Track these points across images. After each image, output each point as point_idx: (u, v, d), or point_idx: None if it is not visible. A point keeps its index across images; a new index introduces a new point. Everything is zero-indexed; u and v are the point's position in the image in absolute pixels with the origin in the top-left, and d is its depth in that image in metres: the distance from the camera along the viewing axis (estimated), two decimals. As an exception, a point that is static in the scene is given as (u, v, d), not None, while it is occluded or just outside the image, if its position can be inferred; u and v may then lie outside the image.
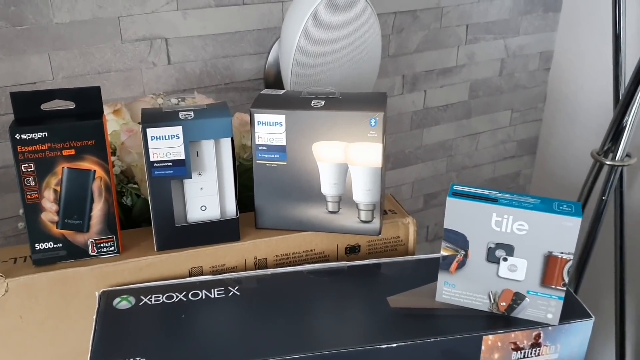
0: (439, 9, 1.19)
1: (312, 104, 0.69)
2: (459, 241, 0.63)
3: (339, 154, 0.69)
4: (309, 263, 0.74)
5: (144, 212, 0.80)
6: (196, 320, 0.63)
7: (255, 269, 0.73)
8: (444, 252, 0.64)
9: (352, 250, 0.76)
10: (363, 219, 0.72)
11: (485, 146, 1.40)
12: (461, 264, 0.64)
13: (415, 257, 0.75)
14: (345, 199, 0.71)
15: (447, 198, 0.61)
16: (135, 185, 0.79)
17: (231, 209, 0.72)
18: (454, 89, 1.29)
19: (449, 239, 0.63)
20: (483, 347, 0.62)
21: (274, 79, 1.08)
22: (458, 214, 0.62)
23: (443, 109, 1.29)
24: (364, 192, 0.70)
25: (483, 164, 1.41)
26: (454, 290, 0.65)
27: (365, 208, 0.71)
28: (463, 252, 0.63)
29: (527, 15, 1.31)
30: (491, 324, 0.63)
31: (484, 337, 0.62)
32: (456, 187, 0.62)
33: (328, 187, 0.70)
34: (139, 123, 0.82)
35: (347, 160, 0.69)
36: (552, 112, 1.43)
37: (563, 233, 0.59)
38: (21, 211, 0.82)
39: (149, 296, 0.66)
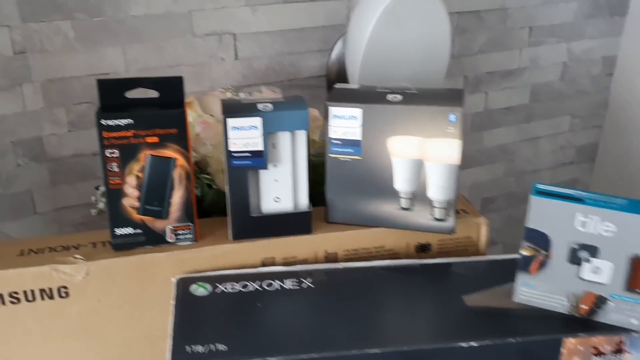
0: (504, 10, 1.18)
1: (388, 98, 0.69)
2: (541, 241, 0.62)
3: (414, 150, 0.69)
4: (378, 259, 0.74)
5: (215, 203, 0.81)
6: (271, 309, 0.64)
7: (325, 263, 0.73)
8: (524, 252, 0.63)
9: (423, 249, 0.75)
10: (437, 216, 0.71)
11: (544, 151, 1.37)
12: (542, 265, 0.62)
13: (488, 257, 0.74)
14: (418, 196, 0.71)
15: (531, 197, 0.61)
16: (208, 176, 0.80)
17: (304, 201, 0.72)
18: (516, 92, 1.27)
19: (530, 238, 0.62)
20: (563, 350, 0.61)
21: (336, 76, 1.08)
22: (541, 213, 0.61)
23: (504, 112, 1.28)
24: (439, 189, 0.70)
25: (541, 169, 1.39)
26: (533, 291, 0.64)
27: (439, 205, 0.70)
28: (544, 253, 0.62)
29: (592, 19, 1.28)
30: (572, 327, 0.62)
31: (564, 339, 0.61)
32: (539, 186, 0.61)
33: (402, 183, 0.70)
34: (211, 115, 0.83)
35: (423, 156, 0.69)
36: (614, 119, 1.40)
37: (652, 235, 0.58)
38: (93, 198, 0.85)
39: (225, 284, 0.67)
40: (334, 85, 0.73)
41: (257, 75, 1.02)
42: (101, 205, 0.83)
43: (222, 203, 0.82)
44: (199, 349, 0.58)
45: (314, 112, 0.87)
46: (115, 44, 0.91)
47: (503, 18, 1.19)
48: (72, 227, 0.98)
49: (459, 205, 0.78)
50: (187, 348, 0.58)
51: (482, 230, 0.76)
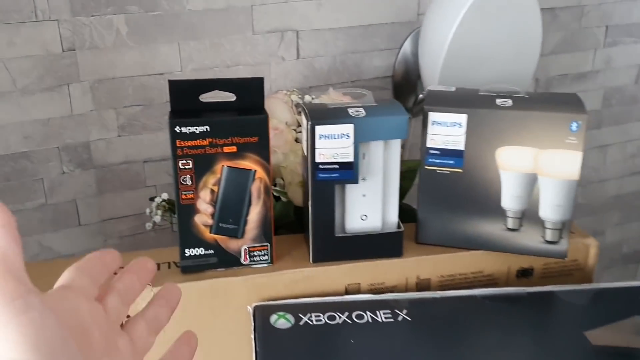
0: (580, 8, 1.09)
1: (497, 103, 0.60)
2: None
3: (527, 162, 0.60)
4: (476, 286, 0.65)
5: (284, 217, 0.73)
6: (363, 345, 0.55)
7: (416, 290, 0.65)
8: (663, 284, 0.54)
9: (525, 274, 0.67)
10: (548, 238, 0.62)
11: (613, 160, 1.28)
12: (686, 299, 0.54)
13: (604, 284, 0.65)
14: (528, 215, 0.62)
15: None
16: (276, 188, 0.72)
17: (393, 220, 0.64)
18: (587, 96, 1.18)
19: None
20: None
21: (402, 77, 0.99)
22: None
23: (574, 118, 1.18)
24: (553, 207, 0.61)
25: (609, 179, 1.29)
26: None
27: (552, 226, 0.62)
28: (690, 285, 0.53)
29: (669, 17, 1.19)
30: None
31: None
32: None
33: (510, 200, 0.61)
34: (286, 122, 0.75)
35: (537, 170, 0.60)
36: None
37: None
38: (148, 210, 0.77)
39: (309, 314, 0.59)
40: (428, 88, 0.65)
41: (318, 76, 0.94)
42: (157, 218, 0.75)
43: (290, 217, 0.74)
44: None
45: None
46: (171, 41, 0.83)
47: (579, 16, 1.09)
48: (118, 239, 0.90)
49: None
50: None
51: (591, 253, 0.67)
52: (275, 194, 0.72)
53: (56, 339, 0.26)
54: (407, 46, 0.97)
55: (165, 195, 0.76)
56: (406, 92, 0.99)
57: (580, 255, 0.67)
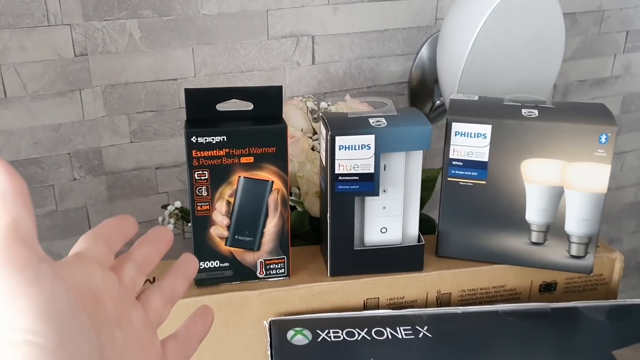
0: (600, 13, 1.07)
1: (523, 114, 0.58)
2: None
3: (554, 175, 0.58)
4: (497, 301, 0.64)
5: (299, 227, 0.71)
6: (385, 364, 0.54)
7: (437, 305, 0.63)
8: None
9: (547, 289, 0.65)
10: (574, 253, 0.60)
11: (630, 167, 1.25)
12: None
13: (632, 300, 0.63)
14: (553, 229, 0.60)
15: None
16: (292, 197, 0.70)
17: (414, 233, 0.62)
18: (605, 102, 1.15)
19: None
20: None
21: (418, 83, 0.98)
22: None
23: (592, 124, 1.16)
24: (580, 221, 0.59)
25: (626, 186, 1.27)
26: None
27: (578, 241, 0.59)
28: None
29: (690, 22, 1.16)
30: None
31: None
32: None
33: (535, 213, 0.59)
34: (302, 130, 0.73)
35: (564, 183, 0.58)
36: None
37: None
38: (161, 218, 0.75)
39: (327, 330, 0.57)
40: (451, 96, 0.63)
41: (333, 81, 0.92)
42: (170, 227, 0.74)
43: (305, 226, 0.72)
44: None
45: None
46: (185, 46, 0.81)
47: (598, 21, 1.07)
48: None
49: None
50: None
51: (616, 267, 0.65)
52: (290, 203, 0.70)
53: (67, 310, 0.25)
54: (424, 51, 0.95)
55: (178, 204, 0.74)
56: (422, 98, 0.97)
57: (605, 270, 0.65)
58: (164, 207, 0.75)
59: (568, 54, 1.08)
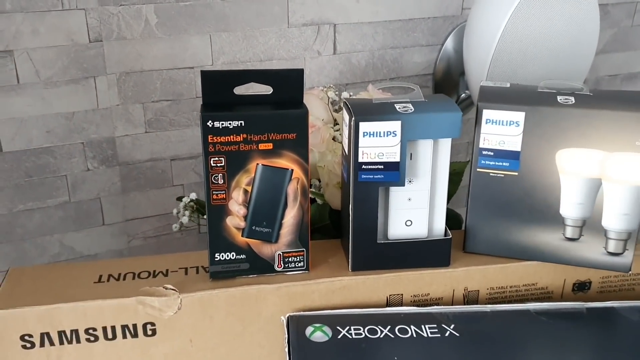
0: (633, 4, 1.03)
1: (558, 100, 0.55)
2: None
3: (592, 166, 0.54)
4: (528, 299, 0.60)
5: (319, 221, 0.68)
6: (409, 363, 0.51)
7: (464, 302, 0.59)
8: None
9: (581, 288, 0.61)
10: (611, 250, 0.56)
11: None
12: None
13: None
14: (589, 224, 0.56)
15: None
16: (312, 189, 0.67)
17: (440, 226, 0.58)
18: None
19: None
20: None
21: (443, 75, 0.94)
22: None
23: (623, 121, 1.12)
24: (619, 216, 0.55)
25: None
26: None
27: (616, 237, 0.56)
28: None
29: None
30: None
31: None
32: None
33: (571, 207, 0.56)
34: (322, 120, 0.70)
35: (602, 175, 0.54)
36: None
37: None
38: (175, 210, 0.73)
39: (347, 327, 0.54)
40: (481, 83, 0.60)
41: (355, 72, 0.89)
42: (185, 219, 0.71)
43: (325, 220, 0.69)
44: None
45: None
46: (202, 32, 0.79)
47: (631, 13, 1.03)
48: (142, 240, 0.86)
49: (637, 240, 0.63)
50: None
51: (656, 268, 0.61)
52: (310, 195, 0.67)
53: None
54: (449, 42, 0.92)
55: (193, 195, 0.72)
56: (447, 91, 0.93)
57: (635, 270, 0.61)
58: (179, 199, 0.72)
59: (599, 47, 1.03)
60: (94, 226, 0.83)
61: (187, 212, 0.72)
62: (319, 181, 0.68)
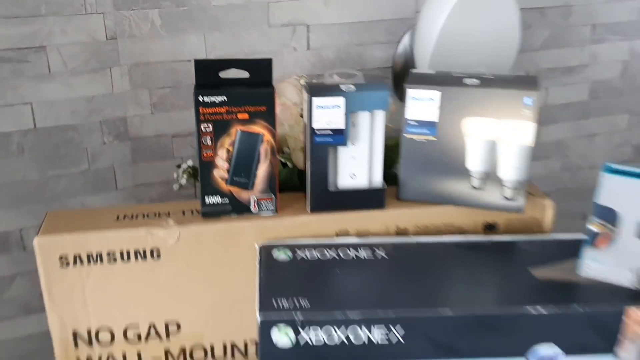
0: (567, 7, 1.20)
1: (465, 82, 0.73)
2: (610, 217, 0.64)
3: (489, 131, 0.72)
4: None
5: (289, 181, 0.85)
6: (347, 275, 0.68)
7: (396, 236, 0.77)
8: (592, 228, 0.66)
9: (490, 228, 0.78)
10: (507, 196, 0.74)
11: (600, 148, 1.38)
12: (610, 240, 0.65)
13: (554, 235, 0.76)
14: (491, 176, 0.74)
15: (602, 174, 0.63)
16: (284, 155, 0.85)
17: (378, 178, 0.76)
18: (575, 89, 1.29)
19: (599, 214, 0.65)
20: (626, 320, 0.63)
21: (402, 68, 1.12)
22: (611, 190, 0.63)
23: (562, 108, 1.29)
24: (511, 169, 0.73)
25: (597, 166, 1.40)
26: (599, 265, 0.66)
27: (510, 185, 0.74)
28: (613, 228, 0.65)
29: (654, 17, 1.29)
30: (636, 299, 0.64)
31: (628, 310, 0.63)
32: (610, 165, 0.64)
33: (475, 162, 0.74)
34: (294, 102, 0.88)
35: (497, 137, 0.72)
36: (673, 118, 1.40)
37: None
38: (175, 175, 0.90)
39: (304, 251, 0.71)
40: (410, 70, 0.77)
41: (325, 64, 1.07)
42: (183, 181, 0.89)
43: (294, 181, 0.86)
44: (284, 302, 0.62)
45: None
46: (198, 32, 0.97)
47: (566, 15, 1.21)
48: (148, 202, 1.04)
49: (527, 188, 0.81)
50: (274, 301, 0.62)
51: (547, 212, 0.79)
52: (282, 160, 0.85)
53: None
54: (406, 40, 1.10)
55: (189, 162, 0.89)
56: (404, 81, 1.11)
57: (538, 214, 0.79)
58: (178, 166, 0.90)
59: (538, 44, 1.21)
60: (108, 191, 1.01)
61: (184, 176, 0.90)
62: (289, 149, 0.85)
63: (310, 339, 0.62)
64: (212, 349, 0.78)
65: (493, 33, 0.92)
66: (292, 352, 0.62)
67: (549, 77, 1.25)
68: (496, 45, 0.92)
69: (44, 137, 0.94)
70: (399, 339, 0.62)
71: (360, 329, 0.62)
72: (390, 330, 0.62)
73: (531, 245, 0.74)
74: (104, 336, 0.75)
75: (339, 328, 0.62)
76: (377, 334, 0.62)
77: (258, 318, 0.61)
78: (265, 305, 0.62)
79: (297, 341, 0.62)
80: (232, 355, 0.79)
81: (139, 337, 0.76)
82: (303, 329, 0.61)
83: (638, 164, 1.43)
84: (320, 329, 0.62)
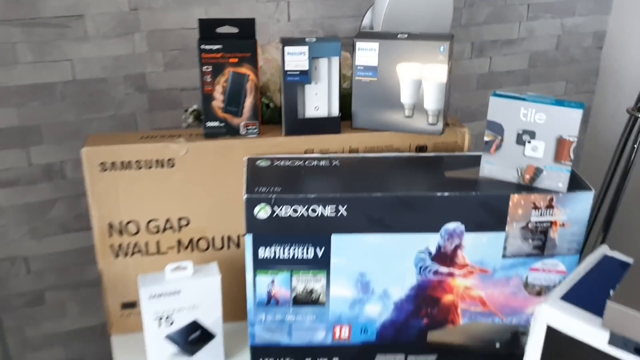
0: (505, -11, 1.45)
1: (398, 37, 0.98)
2: (497, 129, 0.90)
3: (416, 72, 0.97)
4: (389, 155, 1.03)
5: (272, 119, 1.11)
6: (310, 175, 0.93)
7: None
8: (486, 138, 0.91)
9: (421, 149, 1.04)
10: (430, 122, 1.00)
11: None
12: (498, 147, 0.90)
13: (469, 153, 1.02)
14: (418, 107, 0.99)
15: (491, 97, 0.89)
16: (267, 98, 1.10)
17: (335, 110, 1.02)
18: (516, 58, 1.54)
19: (490, 128, 0.90)
20: (510, 204, 0.89)
21: (367, 39, 1.37)
22: (497, 109, 0.89)
23: (506, 74, 1.55)
24: (432, 101, 0.98)
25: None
26: (493, 166, 0.92)
27: (432, 113, 0.99)
28: (500, 137, 0.90)
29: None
30: (518, 189, 0.89)
31: (512, 195, 0.88)
32: (497, 92, 0.89)
33: (406, 97, 0.99)
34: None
35: (422, 77, 0.98)
36: (604, 84, 1.65)
37: (570, 121, 0.85)
38: (183, 116, 1.16)
39: (280, 162, 0.97)
40: (360, 29, 1.03)
41: (303, 33, 1.32)
42: (189, 120, 1.14)
43: (275, 119, 1.12)
44: (263, 189, 0.88)
45: (346, 54, 1.16)
46: (200, 5, 1.22)
47: (504, -5, 1.46)
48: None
49: (450, 120, 1.06)
50: (256, 189, 0.88)
51: (465, 137, 1.04)
52: (265, 101, 1.10)
53: None
54: (368, 14, 1.35)
55: (195, 106, 1.15)
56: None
57: (458, 139, 1.04)
58: (186, 110, 1.16)
59: (482, 20, 1.46)
60: (131, 132, 1.26)
61: (191, 117, 1.15)
62: (271, 92, 1.11)
63: (280, 212, 0.87)
64: (213, 240, 1.03)
65: (431, 7, 1.17)
66: (268, 222, 0.88)
67: (493, 48, 1.51)
68: (434, 16, 1.18)
69: (80, 87, 1.20)
70: (342, 215, 0.88)
71: (317, 206, 0.87)
72: (337, 208, 0.88)
73: (449, 158, 1.00)
74: (131, 228, 1.00)
75: (301, 205, 0.87)
76: (328, 210, 0.88)
77: (245, 197, 0.87)
78: (250, 190, 0.88)
79: (271, 213, 0.87)
80: (228, 246, 1.04)
81: (158, 229, 1.01)
82: (276, 205, 0.87)
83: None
84: (288, 206, 0.87)
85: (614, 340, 0.73)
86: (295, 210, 0.88)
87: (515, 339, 0.99)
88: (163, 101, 1.26)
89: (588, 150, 1.72)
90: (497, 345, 0.99)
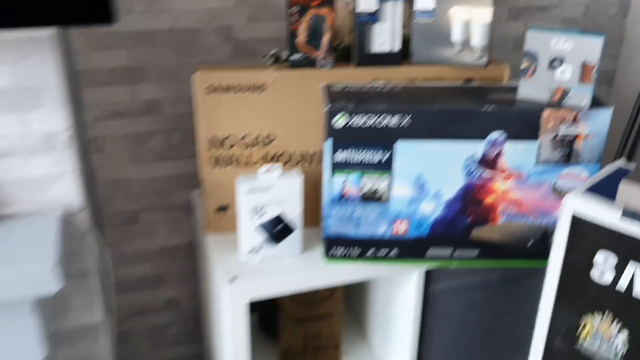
0: (540, -40, 1.65)
1: (451, -14, 1.19)
2: (533, 57, 1.10)
3: (465, 14, 1.18)
4: (440, 86, 1.24)
5: (343, 58, 1.33)
6: (376, 94, 1.15)
7: (409, 86, 1.24)
8: (523, 66, 1.11)
9: (469, 81, 1.24)
10: (476, 57, 1.20)
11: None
12: (533, 72, 1.11)
13: (510, 83, 1.22)
14: (466, 44, 1.20)
15: (528, 31, 1.09)
16: (340, 37, 1.32)
17: (398, 46, 1.23)
18: (548, 23, 1.73)
19: (527, 56, 1.10)
20: (542, 117, 1.09)
21: None
22: (533, 40, 1.09)
23: (538, 37, 1.74)
24: (479, 38, 1.19)
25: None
26: (529, 89, 1.12)
27: (479, 49, 1.20)
28: (535, 64, 1.10)
29: (610, -29, 1.73)
30: (549, 106, 1.09)
31: (544, 110, 1.08)
32: (532, 26, 1.10)
33: (457, 35, 1.20)
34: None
35: (470, 18, 1.18)
36: (628, 50, 1.83)
37: (592, 48, 1.05)
38: (264, 59, 1.38)
39: (352, 87, 1.18)
40: (418, -19, 1.24)
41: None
42: (270, 62, 1.37)
43: (346, 59, 1.33)
44: (341, 102, 1.09)
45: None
46: (279, -33, 1.45)
47: (538, -35, 1.65)
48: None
49: (492, 58, 1.26)
50: (335, 102, 1.10)
51: (505, 72, 1.24)
52: (340, 43, 1.32)
53: None
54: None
55: (273, 50, 1.37)
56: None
57: (498, 75, 1.24)
58: (264, 56, 1.38)
59: (518, -13, 1.66)
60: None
61: (271, 58, 1.37)
62: (343, 34, 1.32)
63: (355, 122, 1.09)
64: (292, 155, 1.25)
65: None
66: (344, 130, 1.10)
67: (527, 13, 1.70)
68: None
69: (179, 35, 1.43)
70: (406, 125, 1.09)
71: (386, 116, 1.09)
72: (402, 118, 1.09)
73: (493, 87, 1.20)
74: (229, 141, 1.23)
75: (373, 114, 1.09)
76: (394, 120, 1.09)
77: (326, 108, 1.09)
78: (330, 103, 1.10)
79: (347, 123, 1.09)
80: (304, 162, 1.26)
81: (249, 144, 1.24)
82: (351, 114, 1.09)
83: (554, 27, 1.86)
84: (363, 114, 1.09)
85: (626, 213, 0.93)
86: (366, 121, 1.09)
87: (545, 237, 1.19)
88: (245, 50, 1.48)
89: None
90: (530, 243, 1.19)
